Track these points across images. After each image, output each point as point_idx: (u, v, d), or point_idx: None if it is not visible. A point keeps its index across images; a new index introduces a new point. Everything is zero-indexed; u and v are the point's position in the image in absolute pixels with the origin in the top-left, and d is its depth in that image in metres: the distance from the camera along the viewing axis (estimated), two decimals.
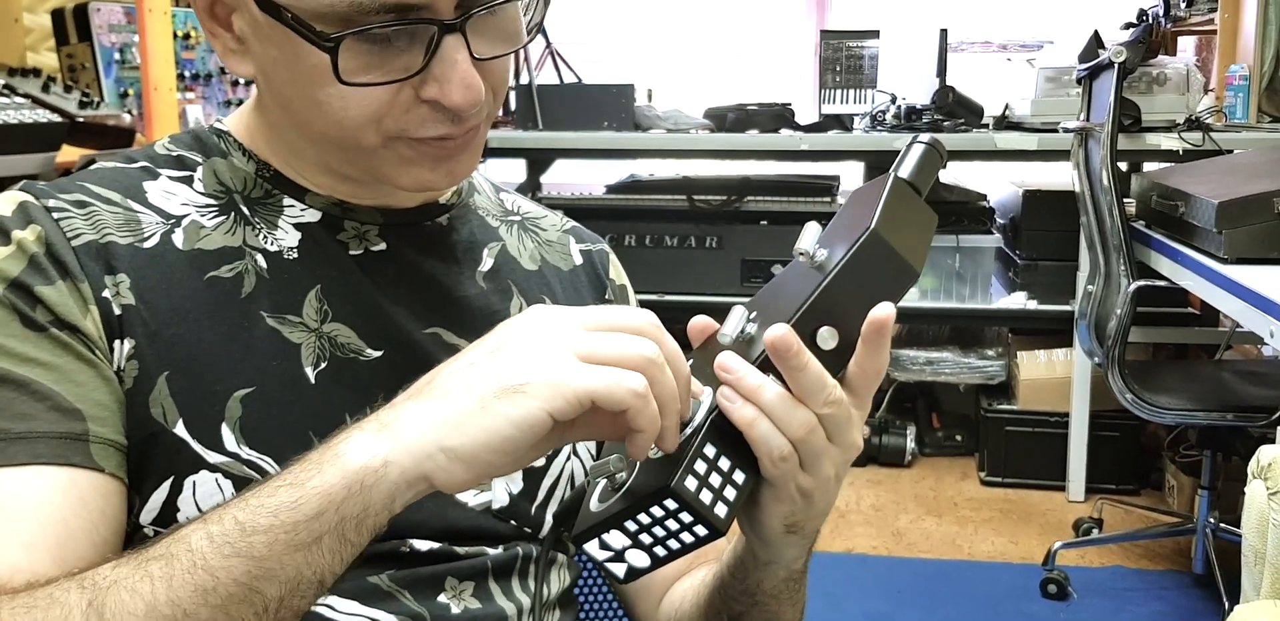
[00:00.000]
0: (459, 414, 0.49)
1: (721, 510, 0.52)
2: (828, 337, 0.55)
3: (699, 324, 0.59)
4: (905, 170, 0.62)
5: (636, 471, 0.54)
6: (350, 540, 0.50)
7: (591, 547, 0.54)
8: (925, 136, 0.63)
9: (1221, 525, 2.23)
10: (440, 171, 0.65)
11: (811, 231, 0.57)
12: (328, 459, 0.50)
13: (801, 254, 0.56)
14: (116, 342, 0.62)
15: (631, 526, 0.53)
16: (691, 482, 0.52)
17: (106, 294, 0.62)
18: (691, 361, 0.58)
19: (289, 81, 0.62)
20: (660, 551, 0.54)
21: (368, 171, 0.66)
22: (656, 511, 0.52)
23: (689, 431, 0.54)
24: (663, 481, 0.51)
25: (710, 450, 0.53)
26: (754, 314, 0.57)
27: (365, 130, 0.62)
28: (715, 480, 0.52)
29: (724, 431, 0.54)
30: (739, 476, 0.54)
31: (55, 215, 0.63)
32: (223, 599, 0.49)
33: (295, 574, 0.49)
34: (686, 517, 0.52)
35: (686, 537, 0.53)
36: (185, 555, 0.49)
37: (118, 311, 0.62)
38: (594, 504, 0.55)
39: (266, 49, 0.62)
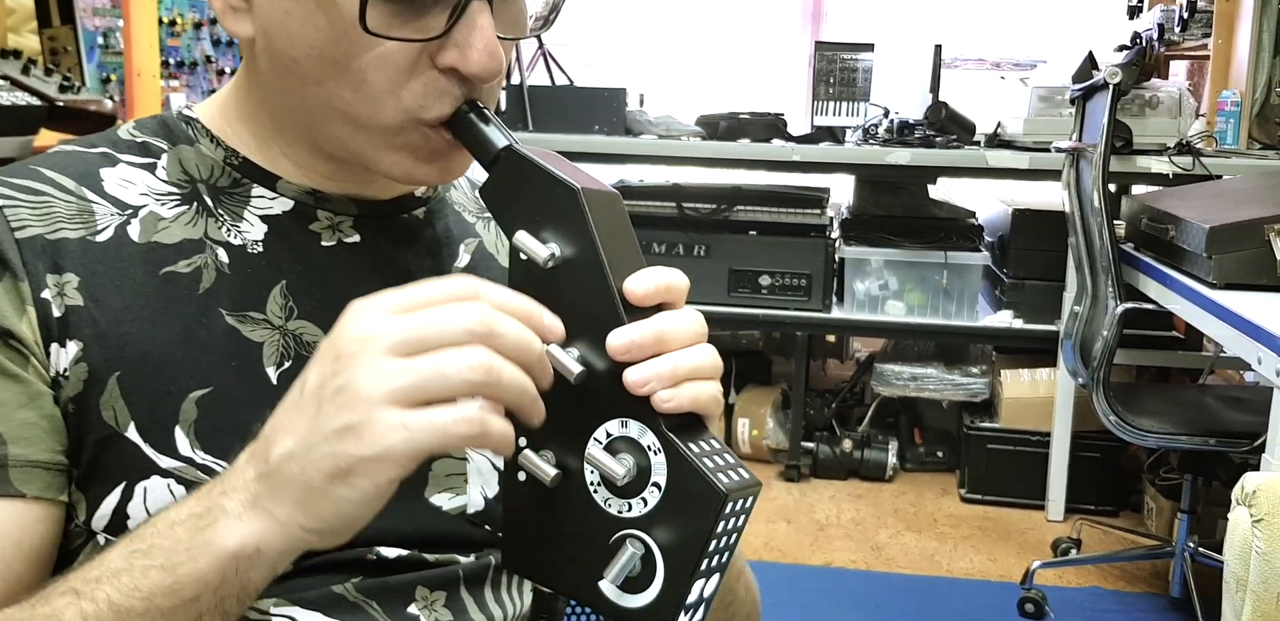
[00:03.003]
0: (306, 500, 0.48)
1: (733, 476, 0.51)
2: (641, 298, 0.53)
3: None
4: (504, 139, 0.57)
5: (654, 537, 0.51)
6: (231, 612, 0.50)
7: None
8: (464, 104, 0.58)
9: (1200, 549, 2.22)
10: (435, 166, 0.62)
11: (530, 240, 0.53)
12: (198, 546, 0.48)
13: (549, 259, 0.52)
14: (54, 346, 0.58)
15: (699, 581, 0.51)
16: (724, 480, 0.50)
17: (46, 294, 0.58)
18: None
19: (301, 38, 0.58)
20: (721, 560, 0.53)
21: (359, 155, 0.62)
22: (720, 531, 0.50)
23: (660, 474, 0.51)
24: (710, 500, 0.49)
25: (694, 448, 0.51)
26: (569, 349, 0.52)
27: (384, 102, 0.58)
28: (723, 460, 0.52)
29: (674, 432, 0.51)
30: (730, 456, 0.53)
31: (0, 203, 0.60)
32: None
33: None
34: (742, 521, 0.51)
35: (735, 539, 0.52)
36: None
37: (58, 313, 0.58)
38: (633, 600, 0.51)
39: (279, 2, 0.58)
